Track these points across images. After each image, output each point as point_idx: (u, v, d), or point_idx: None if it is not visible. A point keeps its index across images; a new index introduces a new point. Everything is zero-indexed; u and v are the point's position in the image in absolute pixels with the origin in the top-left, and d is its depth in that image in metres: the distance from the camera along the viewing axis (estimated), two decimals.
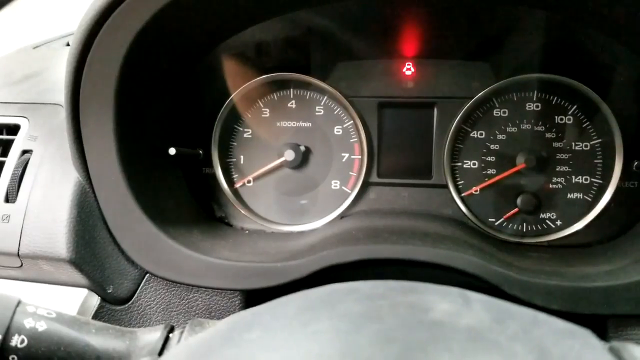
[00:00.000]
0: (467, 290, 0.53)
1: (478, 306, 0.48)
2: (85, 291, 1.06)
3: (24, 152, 1.12)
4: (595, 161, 1.26)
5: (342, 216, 1.35)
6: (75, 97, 1.02)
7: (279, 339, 0.42)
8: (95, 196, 1.06)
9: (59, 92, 1.05)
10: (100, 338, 0.70)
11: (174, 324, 1.05)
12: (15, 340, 0.63)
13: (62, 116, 1.06)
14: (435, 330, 0.41)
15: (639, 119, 1.20)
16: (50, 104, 1.18)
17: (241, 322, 0.49)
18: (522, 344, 0.41)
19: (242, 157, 1.40)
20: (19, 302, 0.67)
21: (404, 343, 0.38)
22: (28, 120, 1.16)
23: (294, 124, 1.38)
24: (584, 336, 0.48)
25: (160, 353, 0.69)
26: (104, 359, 0.68)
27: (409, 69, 1.33)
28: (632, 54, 1.10)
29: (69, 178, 1.06)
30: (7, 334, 0.63)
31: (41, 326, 0.66)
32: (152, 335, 0.72)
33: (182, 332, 0.73)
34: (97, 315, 1.05)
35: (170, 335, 0.73)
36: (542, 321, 0.48)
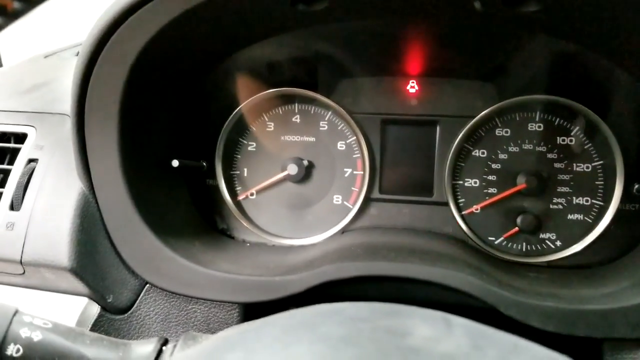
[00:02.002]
0: (452, 315, 0.53)
1: (459, 331, 0.49)
2: (85, 300, 1.08)
3: (30, 160, 1.14)
4: (596, 183, 1.26)
5: (343, 231, 1.36)
6: (81, 107, 1.04)
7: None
8: (98, 206, 1.08)
9: (67, 102, 1.07)
10: (94, 349, 0.71)
11: (172, 335, 1.07)
12: (11, 350, 0.65)
13: (68, 126, 1.08)
14: (410, 356, 0.42)
15: None
16: (57, 113, 1.20)
17: (227, 341, 0.50)
18: None
19: (245, 170, 1.42)
20: (16, 312, 0.68)
21: None
22: (35, 129, 1.18)
23: (298, 138, 1.39)
24: None
25: None
26: None
27: (412, 87, 1.34)
28: (632, 78, 1.10)
29: (73, 188, 1.08)
30: (4, 343, 0.64)
31: (37, 336, 0.67)
32: (145, 348, 0.73)
33: (175, 346, 0.73)
34: (96, 324, 1.07)
35: (164, 348, 0.74)
36: (522, 348, 0.49)
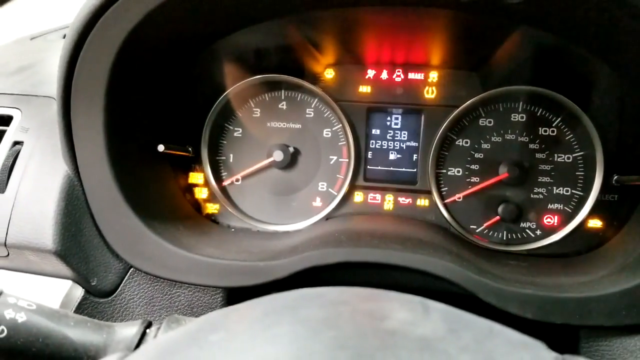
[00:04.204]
0: (429, 300, 0.55)
1: (436, 316, 0.50)
2: (69, 283, 1.08)
3: (15, 143, 1.13)
4: (577, 173, 1.28)
5: (327, 218, 1.37)
6: (67, 90, 1.03)
7: (239, 341, 0.44)
8: (83, 189, 1.08)
9: (53, 85, 1.06)
10: (78, 331, 0.71)
11: (156, 319, 1.08)
12: None
13: (54, 109, 1.07)
14: (387, 339, 0.43)
15: (620, 134, 1.22)
16: (43, 96, 1.19)
17: (209, 323, 0.51)
18: (471, 355, 0.43)
19: (231, 155, 1.42)
20: (0, 293, 0.69)
21: (354, 350, 0.40)
22: (21, 111, 1.17)
23: (284, 125, 1.40)
24: (536, 348, 0.50)
25: (137, 348, 0.71)
26: (81, 351, 0.70)
27: (398, 76, 1.35)
28: (613, 70, 1.12)
29: (58, 170, 1.08)
30: None
31: (21, 317, 0.67)
32: (129, 330, 0.74)
33: (158, 328, 0.74)
34: (80, 307, 1.07)
35: (148, 330, 0.75)
36: (496, 332, 0.50)
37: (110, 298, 1.10)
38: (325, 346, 0.41)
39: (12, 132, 1.15)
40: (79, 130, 1.06)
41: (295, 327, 0.45)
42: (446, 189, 1.34)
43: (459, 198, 1.33)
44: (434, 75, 1.34)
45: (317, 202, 1.39)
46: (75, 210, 1.07)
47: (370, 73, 1.37)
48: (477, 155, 1.32)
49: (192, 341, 0.46)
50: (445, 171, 1.34)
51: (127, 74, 1.07)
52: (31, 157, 1.10)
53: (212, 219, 1.41)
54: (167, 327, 0.73)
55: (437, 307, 0.53)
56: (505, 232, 1.31)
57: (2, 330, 0.65)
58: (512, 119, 1.31)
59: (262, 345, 0.42)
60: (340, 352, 0.40)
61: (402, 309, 0.50)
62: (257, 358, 0.40)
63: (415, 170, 1.37)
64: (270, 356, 0.40)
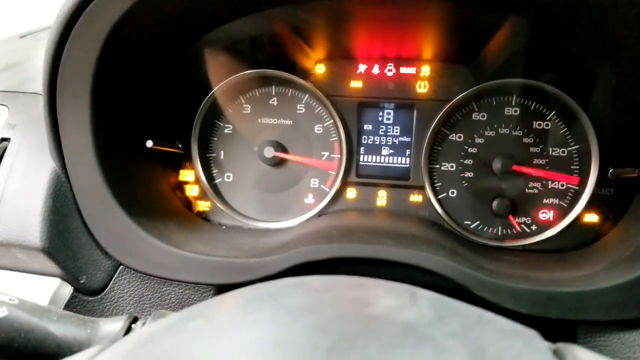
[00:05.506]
0: (417, 288, 0.53)
1: (423, 303, 0.49)
2: (57, 281, 1.06)
3: (2, 139, 1.12)
4: (572, 167, 1.27)
5: (320, 214, 1.36)
6: (53, 86, 1.02)
7: (217, 327, 0.42)
8: (70, 186, 1.06)
9: (40, 82, 1.05)
10: (61, 326, 0.70)
11: (145, 316, 1.06)
12: None
13: (41, 105, 1.05)
14: (370, 323, 0.41)
15: (615, 127, 1.21)
16: (30, 93, 1.18)
17: (191, 312, 0.50)
18: (458, 341, 0.42)
19: (222, 152, 1.41)
20: None
21: (335, 334, 0.39)
22: (8, 108, 1.16)
23: (275, 121, 1.38)
24: (528, 337, 0.48)
25: None
26: (64, 347, 0.68)
27: (390, 70, 1.34)
28: (608, 64, 1.11)
29: (45, 167, 1.06)
30: None
31: (2, 312, 0.66)
32: (114, 325, 0.73)
33: (144, 323, 0.73)
34: (69, 306, 1.06)
35: (133, 325, 0.73)
36: (486, 320, 0.49)
37: (99, 296, 1.09)
38: (305, 330, 0.40)
39: None
40: (65, 126, 1.04)
41: (276, 313, 0.43)
42: (440, 184, 1.33)
43: (453, 193, 1.32)
44: (426, 69, 1.33)
45: (309, 199, 1.38)
46: (63, 207, 1.05)
47: (362, 68, 1.35)
48: (470, 150, 1.31)
49: (170, 330, 0.44)
50: (438, 166, 1.33)
51: (114, 68, 1.06)
52: (18, 153, 1.09)
53: (203, 216, 1.40)
54: (152, 322, 0.72)
55: (425, 295, 0.52)
56: (500, 227, 1.30)
57: None
58: (505, 112, 1.29)
59: (241, 330, 0.41)
60: (320, 337, 0.38)
61: (388, 296, 0.48)
62: (235, 342, 0.39)
63: (408, 165, 1.35)
64: (248, 340, 0.39)
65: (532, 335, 0.49)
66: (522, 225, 1.29)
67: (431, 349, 0.39)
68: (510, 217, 1.29)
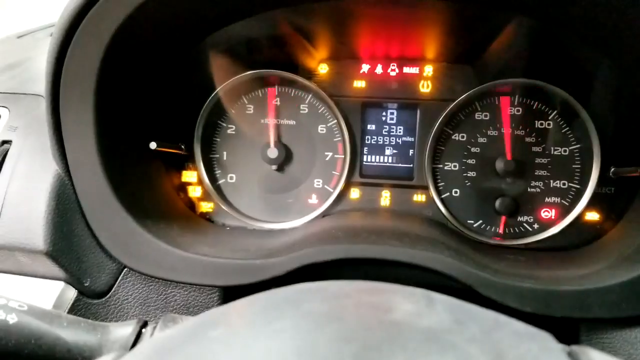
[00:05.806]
0: (432, 292, 0.54)
1: (440, 307, 0.49)
2: (62, 284, 1.06)
3: (3, 142, 1.11)
4: (574, 166, 1.27)
5: (324, 215, 1.36)
6: (56, 87, 1.01)
7: (240, 336, 0.42)
8: (74, 188, 1.06)
9: (41, 83, 1.04)
10: (71, 332, 0.69)
11: (151, 319, 1.06)
12: None
13: (43, 107, 1.05)
14: (393, 330, 0.42)
15: (617, 126, 1.22)
16: (31, 94, 1.18)
17: (209, 319, 0.49)
18: (479, 346, 0.42)
19: (225, 153, 1.40)
20: None
21: (360, 342, 0.39)
22: (8, 110, 1.15)
23: (278, 121, 1.38)
24: (543, 339, 0.49)
25: (132, 348, 0.69)
26: (75, 352, 0.68)
27: (393, 70, 1.34)
28: (611, 62, 1.11)
29: (48, 170, 1.05)
30: None
31: (12, 319, 0.65)
32: (124, 330, 0.73)
33: (154, 328, 0.73)
34: (73, 309, 1.05)
35: (143, 330, 0.73)
36: (502, 324, 0.49)
37: (104, 299, 1.08)
38: (330, 339, 0.40)
39: None
40: (68, 128, 1.03)
41: (298, 321, 0.43)
42: (443, 184, 1.33)
43: (456, 193, 1.32)
44: (429, 69, 1.33)
45: (313, 199, 1.38)
46: (66, 209, 1.05)
47: (365, 67, 1.35)
48: (473, 150, 1.31)
49: (190, 338, 0.44)
50: (441, 166, 1.33)
51: (117, 70, 1.05)
52: (20, 156, 1.08)
53: (206, 217, 1.39)
54: (163, 326, 0.72)
55: (441, 299, 0.52)
56: (502, 226, 1.30)
57: None
58: (508, 112, 1.29)
59: (265, 339, 0.41)
60: (346, 345, 0.38)
61: (406, 301, 0.48)
62: (261, 353, 0.39)
63: (411, 165, 1.36)
64: (274, 351, 0.39)
65: (546, 338, 0.49)
66: (525, 224, 1.30)
67: (455, 355, 0.39)
68: (504, 217, 1.30)
